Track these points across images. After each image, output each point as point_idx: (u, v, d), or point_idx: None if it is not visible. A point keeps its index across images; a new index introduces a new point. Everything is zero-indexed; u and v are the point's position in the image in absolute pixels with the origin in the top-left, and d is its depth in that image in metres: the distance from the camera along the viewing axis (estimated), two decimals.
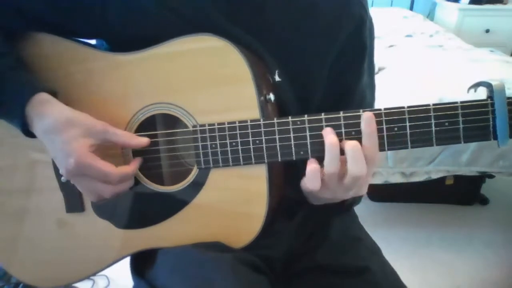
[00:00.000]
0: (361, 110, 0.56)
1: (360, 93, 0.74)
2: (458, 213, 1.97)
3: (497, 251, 1.74)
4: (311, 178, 0.57)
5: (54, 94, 0.61)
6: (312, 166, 0.57)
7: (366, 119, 0.55)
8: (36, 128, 0.60)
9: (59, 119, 0.59)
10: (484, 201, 2.03)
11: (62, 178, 0.68)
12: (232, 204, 0.64)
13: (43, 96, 0.60)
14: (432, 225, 1.88)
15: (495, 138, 0.53)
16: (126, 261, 0.73)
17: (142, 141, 0.63)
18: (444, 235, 1.83)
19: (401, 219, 1.92)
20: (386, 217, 1.92)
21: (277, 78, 0.67)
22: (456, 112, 0.53)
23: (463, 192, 1.98)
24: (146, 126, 0.65)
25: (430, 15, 3.38)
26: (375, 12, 0.70)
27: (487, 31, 3.09)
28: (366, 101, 0.75)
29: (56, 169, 0.68)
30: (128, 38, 0.64)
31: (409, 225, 1.88)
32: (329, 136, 0.56)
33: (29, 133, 0.62)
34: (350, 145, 0.55)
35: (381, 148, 0.57)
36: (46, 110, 0.59)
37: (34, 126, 0.60)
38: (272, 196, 0.63)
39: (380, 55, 1.94)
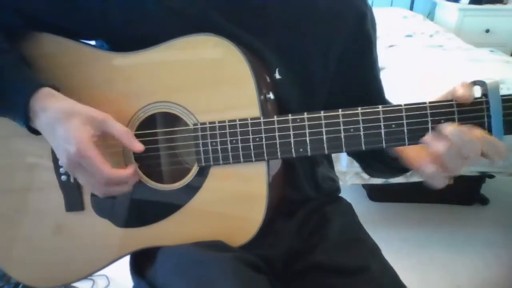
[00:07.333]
0: (359, 108, 0.57)
1: (378, 81, 0.75)
2: (458, 213, 1.97)
3: (497, 251, 1.74)
4: (436, 184, 0.55)
5: (57, 89, 0.61)
6: (427, 173, 0.54)
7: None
8: (39, 122, 0.60)
9: (61, 110, 0.59)
10: (484, 201, 2.03)
11: (62, 177, 0.68)
12: (231, 203, 0.65)
13: (47, 90, 0.60)
14: (432, 225, 1.88)
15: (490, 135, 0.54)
16: (126, 261, 0.73)
17: (135, 144, 0.61)
18: (444, 235, 1.83)
19: (401, 219, 1.92)
20: (386, 217, 1.92)
21: (277, 76, 0.67)
22: (451, 109, 0.54)
23: (463, 192, 1.97)
24: (147, 124, 0.66)
25: (430, 15, 3.38)
26: (375, 12, 0.71)
27: (487, 31, 3.09)
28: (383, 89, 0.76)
29: (56, 168, 0.68)
30: (129, 38, 0.64)
31: (409, 225, 1.88)
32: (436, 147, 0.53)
33: (32, 129, 0.61)
34: (451, 130, 0.52)
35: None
36: (50, 103, 0.59)
37: (38, 119, 0.60)
38: (271, 196, 0.63)
39: (380, 55, 1.92)
